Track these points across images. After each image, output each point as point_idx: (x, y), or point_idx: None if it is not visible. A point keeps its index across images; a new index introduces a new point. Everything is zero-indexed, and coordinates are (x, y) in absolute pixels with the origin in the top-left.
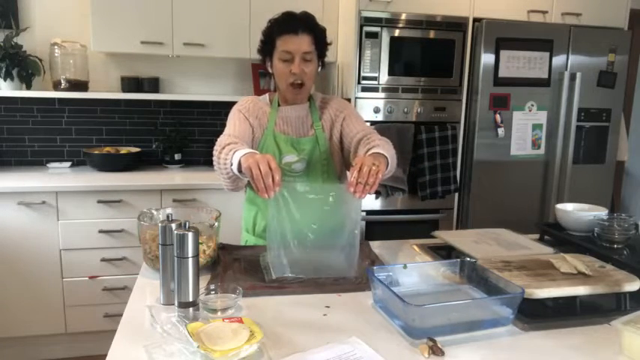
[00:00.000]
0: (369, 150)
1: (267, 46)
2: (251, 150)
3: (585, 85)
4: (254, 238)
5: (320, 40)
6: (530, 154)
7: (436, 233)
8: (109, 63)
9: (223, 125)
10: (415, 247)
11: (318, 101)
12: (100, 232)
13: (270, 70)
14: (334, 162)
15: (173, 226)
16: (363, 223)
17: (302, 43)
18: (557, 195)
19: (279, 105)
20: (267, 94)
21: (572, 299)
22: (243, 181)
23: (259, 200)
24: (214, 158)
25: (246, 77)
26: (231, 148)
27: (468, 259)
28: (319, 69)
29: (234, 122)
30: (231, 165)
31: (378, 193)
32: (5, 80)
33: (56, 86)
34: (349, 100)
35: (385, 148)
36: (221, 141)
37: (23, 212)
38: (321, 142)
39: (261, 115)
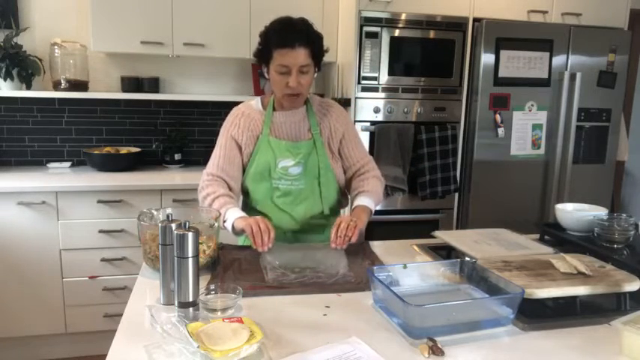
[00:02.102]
0: (357, 195)
1: (264, 55)
2: (242, 214)
3: (585, 85)
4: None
5: (317, 51)
6: (530, 154)
7: (436, 233)
8: (109, 63)
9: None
10: (415, 247)
11: (315, 105)
12: (100, 232)
13: (266, 76)
14: (332, 166)
15: (173, 226)
16: None
17: (298, 57)
18: (557, 195)
19: (274, 109)
20: (259, 98)
21: (572, 299)
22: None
23: (257, 205)
24: (203, 197)
25: (246, 77)
26: (223, 204)
27: (468, 259)
28: (315, 75)
29: (222, 147)
30: (225, 222)
31: None
32: (5, 80)
33: (56, 86)
34: (349, 100)
35: (373, 190)
36: (209, 189)
37: (23, 212)
38: (319, 146)
39: (254, 125)
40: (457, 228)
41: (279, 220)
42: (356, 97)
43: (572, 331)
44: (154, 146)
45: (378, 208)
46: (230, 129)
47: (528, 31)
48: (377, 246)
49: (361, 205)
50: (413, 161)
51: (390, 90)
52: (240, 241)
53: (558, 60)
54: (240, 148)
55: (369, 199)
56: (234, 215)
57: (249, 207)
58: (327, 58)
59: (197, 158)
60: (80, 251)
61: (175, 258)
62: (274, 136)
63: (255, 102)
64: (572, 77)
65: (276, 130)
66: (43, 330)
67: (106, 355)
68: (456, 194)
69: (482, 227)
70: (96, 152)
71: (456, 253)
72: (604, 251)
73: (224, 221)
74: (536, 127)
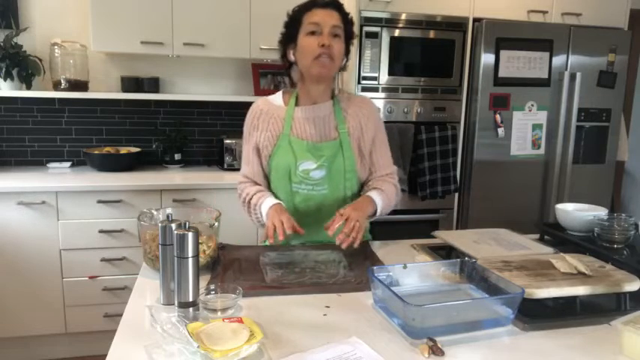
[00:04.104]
0: (371, 189)
1: (291, 29)
2: (272, 203)
3: (585, 85)
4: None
5: (348, 23)
6: (530, 154)
7: (436, 233)
8: (109, 63)
9: (223, 125)
10: (415, 247)
11: (344, 100)
12: (100, 232)
13: (292, 59)
14: (357, 167)
15: (173, 226)
16: None
17: (331, 16)
18: (557, 195)
19: (297, 103)
20: (279, 93)
21: (572, 299)
22: None
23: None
24: (241, 203)
25: (246, 77)
26: (257, 202)
27: (468, 259)
28: (345, 62)
29: (245, 155)
30: (262, 218)
31: None
32: (5, 80)
33: (56, 86)
34: None
35: (387, 193)
36: (243, 193)
37: (23, 212)
38: (346, 147)
39: (273, 124)
40: (457, 228)
41: (302, 226)
42: None
43: (572, 331)
44: (154, 146)
45: None
46: (250, 131)
47: (528, 31)
48: (377, 246)
49: (370, 197)
50: (413, 161)
51: (390, 90)
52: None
53: (558, 60)
54: (259, 155)
55: (379, 197)
56: (265, 210)
57: None
58: None
59: (197, 158)
60: (80, 251)
61: (175, 258)
62: (295, 135)
63: (276, 97)
64: (572, 77)
65: (299, 127)
66: (43, 330)
67: (106, 355)
68: (456, 194)
69: (482, 227)
70: (96, 152)
71: (456, 253)
72: (604, 251)
73: (261, 215)
74: (536, 127)
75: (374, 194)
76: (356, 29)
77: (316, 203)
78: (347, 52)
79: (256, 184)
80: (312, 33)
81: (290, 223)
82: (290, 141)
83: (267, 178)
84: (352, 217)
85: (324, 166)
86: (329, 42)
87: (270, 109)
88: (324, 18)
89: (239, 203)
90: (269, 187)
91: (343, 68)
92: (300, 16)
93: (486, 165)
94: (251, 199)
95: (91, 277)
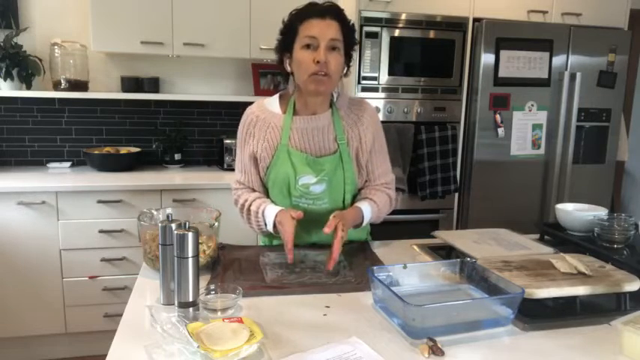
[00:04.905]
0: (361, 199)
1: (287, 38)
2: (276, 210)
3: (585, 85)
4: (267, 239)
5: (348, 32)
6: (530, 154)
7: (436, 233)
8: (109, 63)
9: (223, 125)
10: (415, 247)
11: (343, 109)
12: (100, 232)
13: (288, 69)
14: (356, 180)
15: (173, 226)
16: None
17: (329, 28)
18: (557, 195)
19: (294, 112)
20: (277, 97)
21: (572, 299)
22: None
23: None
24: (239, 210)
25: (246, 77)
26: (257, 208)
27: (468, 259)
28: (345, 70)
29: (241, 160)
30: (266, 225)
31: None
32: (5, 80)
33: (56, 86)
34: None
35: (379, 203)
36: (241, 199)
37: (23, 212)
38: (345, 159)
39: (271, 133)
40: (457, 228)
41: (301, 239)
42: None
43: (572, 331)
44: (154, 146)
45: None
46: (246, 138)
47: (528, 31)
48: (377, 246)
49: (359, 209)
50: (413, 161)
51: (390, 90)
52: (261, 242)
53: (558, 60)
54: (256, 164)
55: (369, 208)
56: (270, 218)
57: None
58: None
59: (197, 158)
60: (80, 251)
61: (175, 258)
62: (294, 146)
63: (272, 102)
64: (572, 77)
65: (297, 139)
66: (43, 330)
67: (106, 355)
68: (456, 194)
69: (482, 227)
70: (96, 152)
71: (456, 253)
72: (604, 251)
73: (265, 225)
74: (536, 127)
75: (364, 206)
76: (356, 29)
77: (317, 217)
78: (348, 61)
79: (253, 190)
80: (308, 46)
81: (290, 236)
82: (289, 152)
83: (264, 186)
84: (343, 234)
85: (325, 180)
86: (325, 58)
87: (266, 116)
88: (321, 31)
89: (235, 208)
90: (267, 195)
91: (345, 75)
92: (296, 26)
93: (486, 165)
94: (250, 205)
95: (91, 277)
